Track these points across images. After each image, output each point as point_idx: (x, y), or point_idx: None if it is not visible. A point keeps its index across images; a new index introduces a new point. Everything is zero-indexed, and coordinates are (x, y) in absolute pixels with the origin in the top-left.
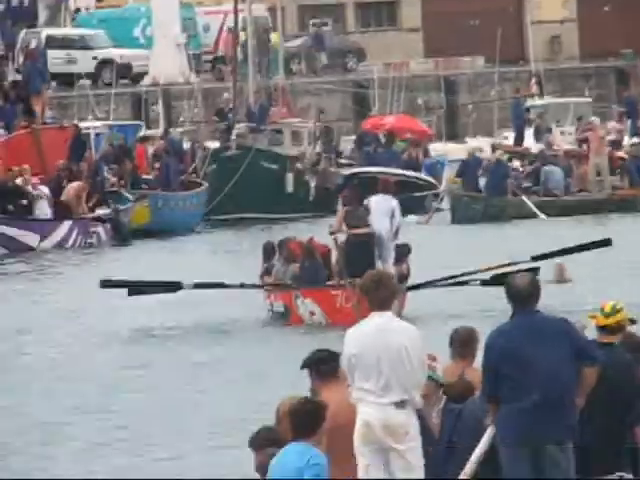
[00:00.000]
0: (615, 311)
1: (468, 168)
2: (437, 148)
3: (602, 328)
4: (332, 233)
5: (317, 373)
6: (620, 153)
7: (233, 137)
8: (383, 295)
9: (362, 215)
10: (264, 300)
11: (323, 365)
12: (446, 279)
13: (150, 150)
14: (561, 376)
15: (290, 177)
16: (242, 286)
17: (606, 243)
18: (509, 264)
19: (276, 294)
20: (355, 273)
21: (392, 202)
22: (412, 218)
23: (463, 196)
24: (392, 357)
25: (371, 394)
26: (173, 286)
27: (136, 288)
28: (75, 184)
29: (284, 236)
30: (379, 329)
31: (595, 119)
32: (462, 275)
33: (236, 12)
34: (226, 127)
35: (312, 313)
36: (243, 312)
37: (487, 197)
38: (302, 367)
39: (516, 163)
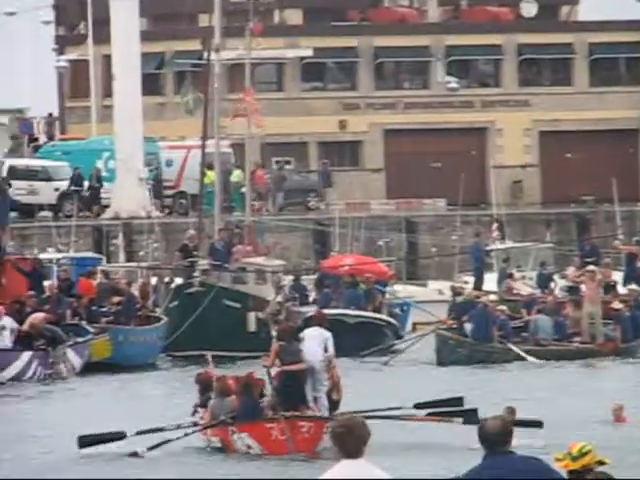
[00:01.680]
0: (582, 454)
1: (457, 312)
2: (398, 290)
3: (570, 471)
4: (266, 367)
5: None
6: (616, 303)
7: (196, 274)
8: (351, 444)
9: (295, 350)
10: (201, 435)
11: None
12: (380, 411)
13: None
14: None
15: (252, 316)
16: (179, 427)
17: (537, 425)
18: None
19: (212, 430)
20: (288, 406)
21: (325, 334)
22: (373, 359)
23: (449, 338)
24: None
25: None
26: (119, 436)
27: (87, 441)
28: (40, 315)
29: (244, 373)
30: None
31: (592, 268)
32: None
33: (203, 148)
34: (189, 264)
35: (248, 446)
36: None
37: (473, 342)
38: None
39: (503, 307)
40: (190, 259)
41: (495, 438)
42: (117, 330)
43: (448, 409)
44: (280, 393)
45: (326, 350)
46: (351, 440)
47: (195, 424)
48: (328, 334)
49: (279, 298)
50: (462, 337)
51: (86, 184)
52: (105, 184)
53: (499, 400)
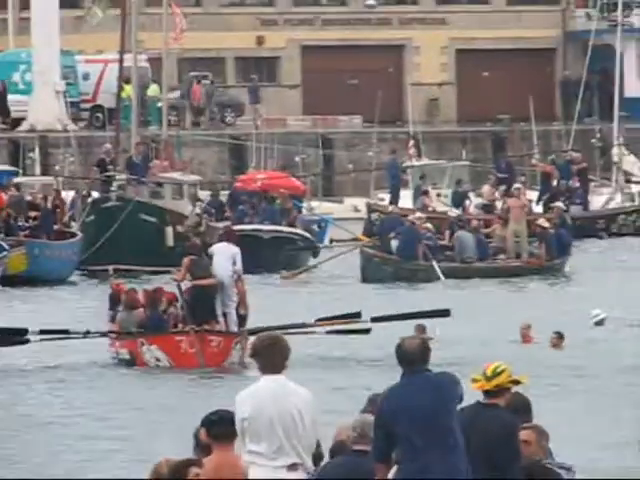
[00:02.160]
0: (496, 374)
1: (384, 228)
2: (314, 206)
3: (485, 392)
4: (176, 281)
5: (212, 434)
6: (541, 221)
7: (113, 188)
8: (277, 359)
9: (206, 265)
10: (108, 348)
11: (219, 426)
12: (287, 327)
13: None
14: (441, 421)
15: (170, 231)
16: (87, 333)
17: (445, 314)
18: (345, 319)
19: (121, 342)
20: (198, 320)
21: (234, 249)
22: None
23: (374, 256)
24: (286, 421)
25: (263, 457)
26: (20, 333)
27: None
28: None
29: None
30: (273, 393)
31: (518, 186)
32: (303, 326)
33: (121, 62)
34: (106, 178)
35: (157, 359)
36: (88, 359)
37: (398, 260)
38: (201, 425)
39: (429, 225)
40: (107, 173)
41: (413, 357)
42: (33, 244)
43: (346, 325)
44: (190, 307)
45: (235, 265)
46: (277, 355)
47: (103, 334)
48: (236, 249)
49: (197, 210)
50: (387, 254)
51: None
52: (19, 96)
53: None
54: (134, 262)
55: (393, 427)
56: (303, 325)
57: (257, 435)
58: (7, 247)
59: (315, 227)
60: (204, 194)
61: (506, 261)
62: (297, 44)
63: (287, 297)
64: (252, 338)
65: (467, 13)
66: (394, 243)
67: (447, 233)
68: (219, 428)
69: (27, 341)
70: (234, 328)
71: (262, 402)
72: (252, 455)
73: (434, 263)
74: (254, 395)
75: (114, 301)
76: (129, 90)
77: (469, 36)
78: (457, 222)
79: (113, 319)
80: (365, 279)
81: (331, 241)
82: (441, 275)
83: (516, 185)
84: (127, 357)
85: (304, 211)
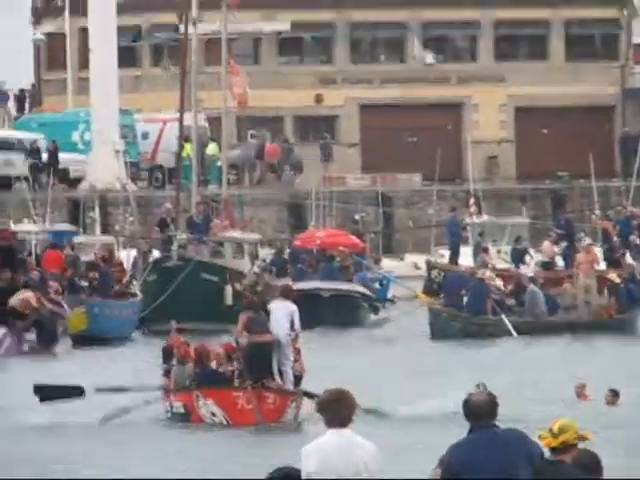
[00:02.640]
0: (562, 431)
1: (450, 285)
2: (376, 264)
3: (552, 449)
4: (235, 338)
5: None
6: (612, 275)
7: (174, 247)
8: (343, 413)
9: (263, 321)
10: (162, 402)
11: None
12: None
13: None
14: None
15: (229, 289)
16: (143, 388)
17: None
18: None
19: (176, 395)
20: (254, 377)
21: (291, 307)
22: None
23: (442, 312)
24: (352, 474)
25: None
26: (77, 390)
27: (46, 393)
28: (31, 294)
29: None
30: (339, 447)
31: (587, 240)
32: None
33: (181, 121)
34: (167, 237)
35: (213, 414)
36: (143, 414)
37: (467, 315)
38: None
39: (499, 282)
40: (168, 233)
41: (481, 412)
42: (93, 303)
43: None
44: (247, 363)
45: (292, 324)
46: (343, 409)
47: (159, 388)
48: (294, 307)
49: (255, 269)
50: (455, 311)
51: (45, 156)
52: (79, 156)
53: (478, 374)
54: (194, 320)
55: None
56: None
57: None
58: (67, 307)
59: (377, 285)
60: (266, 252)
61: (577, 315)
62: (356, 102)
63: (350, 355)
64: (306, 399)
65: (525, 70)
66: (464, 299)
67: (511, 289)
68: None
69: (82, 394)
70: (290, 387)
71: (328, 456)
72: None
73: (504, 318)
74: (320, 449)
75: (167, 355)
76: (189, 149)
77: (528, 93)
78: (529, 279)
79: (167, 373)
80: (434, 335)
81: (393, 298)
82: (513, 331)
83: (587, 240)
84: (182, 411)
85: (365, 269)
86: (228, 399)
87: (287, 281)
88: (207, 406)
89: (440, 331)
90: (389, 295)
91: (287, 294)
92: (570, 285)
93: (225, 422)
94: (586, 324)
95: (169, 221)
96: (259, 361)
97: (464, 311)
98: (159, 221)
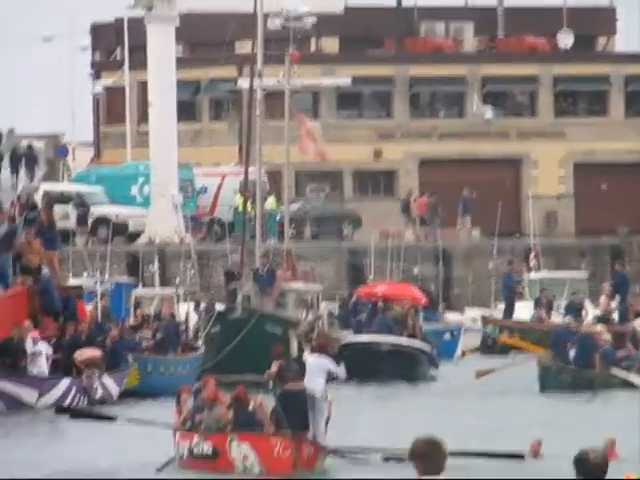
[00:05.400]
0: None
1: (558, 339)
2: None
3: None
4: (267, 380)
5: None
6: None
7: (239, 300)
8: (440, 463)
9: (294, 368)
10: (184, 440)
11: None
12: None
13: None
14: None
15: (295, 341)
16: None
17: (519, 457)
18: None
19: (206, 435)
20: (289, 426)
21: (324, 361)
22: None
23: (551, 365)
24: None
25: None
26: (110, 418)
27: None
28: (97, 353)
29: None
30: None
31: None
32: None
33: (246, 176)
34: (233, 290)
35: (245, 457)
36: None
37: (575, 369)
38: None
39: (608, 336)
40: (233, 285)
41: (594, 468)
42: (145, 360)
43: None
44: (282, 412)
45: (329, 375)
46: (438, 457)
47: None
48: (326, 360)
49: (310, 318)
50: (563, 364)
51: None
52: (138, 209)
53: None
54: (258, 373)
55: None
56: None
57: None
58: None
59: (447, 336)
60: (333, 306)
61: None
62: (415, 157)
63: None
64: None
65: (585, 126)
66: (571, 353)
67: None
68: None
69: (114, 420)
70: (323, 441)
71: None
72: None
73: (617, 371)
74: None
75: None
76: (247, 203)
77: (587, 148)
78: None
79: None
80: (543, 388)
81: (463, 353)
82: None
83: None
84: (209, 452)
85: (438, 319)
86: (265, 445)
87: (348, 333)
88: (240, 449)
89: (549, 383)
90: (459, 346)
91: (321, 349)
92: None
93: (258, 469)
94: None
95: (236, 274)
96: (294, 409)
97: (571, 364)
98: (225, 274)
